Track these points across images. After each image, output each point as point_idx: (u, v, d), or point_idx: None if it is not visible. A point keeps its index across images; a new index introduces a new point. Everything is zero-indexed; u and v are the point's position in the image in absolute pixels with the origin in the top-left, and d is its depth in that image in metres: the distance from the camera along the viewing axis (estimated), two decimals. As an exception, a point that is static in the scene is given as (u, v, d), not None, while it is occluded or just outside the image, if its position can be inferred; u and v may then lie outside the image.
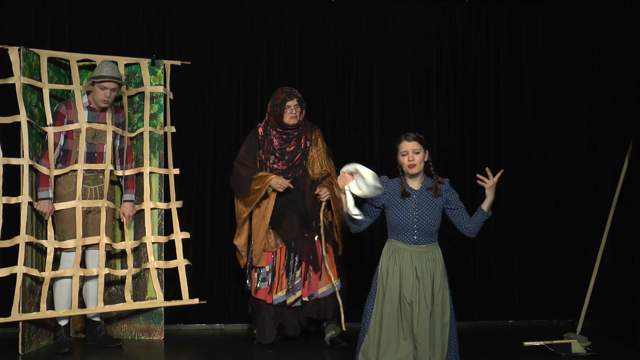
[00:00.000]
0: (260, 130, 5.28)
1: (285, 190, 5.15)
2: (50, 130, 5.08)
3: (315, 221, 5.20)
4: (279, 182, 5.11)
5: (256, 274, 5.22)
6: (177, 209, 5.58)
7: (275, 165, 5.20)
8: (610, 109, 5.71)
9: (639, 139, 5.15)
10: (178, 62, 5.73)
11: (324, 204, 5.18)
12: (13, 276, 4.90)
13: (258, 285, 5.20)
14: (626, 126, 5.42)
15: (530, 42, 6.33)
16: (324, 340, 5.25)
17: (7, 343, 5.17)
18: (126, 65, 5.55)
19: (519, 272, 6.21)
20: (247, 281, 5.30)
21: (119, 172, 5.33)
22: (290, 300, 5.14)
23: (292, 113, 5.17)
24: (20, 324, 4.91)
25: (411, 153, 4.17)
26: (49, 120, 5.12)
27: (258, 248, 5.18)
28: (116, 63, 5.34)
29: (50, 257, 5.00)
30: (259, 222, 5.19)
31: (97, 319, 5.31)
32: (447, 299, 4.17)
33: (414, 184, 4.20)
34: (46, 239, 5.04)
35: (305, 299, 5.15)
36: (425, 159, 4.20)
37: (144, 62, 5.56)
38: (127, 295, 5.33)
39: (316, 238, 5.21)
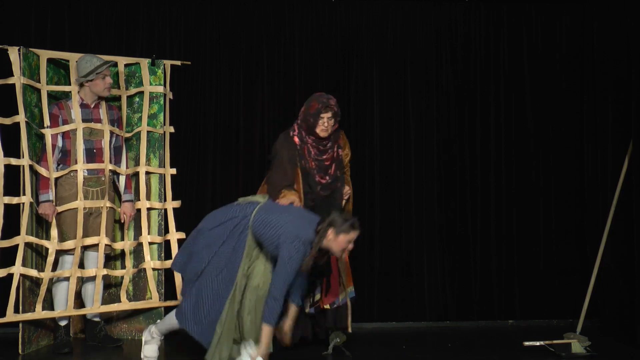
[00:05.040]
0: (296, 139, 4.91)
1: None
2: (48, 132, 5.07)
3: None
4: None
5: None
6: (176, 209, 5.57)
7: (322, 180, 4.91)
8: (610, 109, 5.71)
9: (639, 139, 5.15)
10: (178, 62, 5.72)
11: (343, 202, 5.01)
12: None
13: None
14: (626, 126, 5.42)
15: (530, 42, 6.32)
16: (327, 348, 4.90)
17: (7, 343, 5.16)
18: (126, 65, 5.54)
19: (519, 272, 6.20)
20: None
21: (122, 170, 5.31)
22: (307, 308, 4.85)
23: (323, 126, 4.84)
24: (20, 324, 4.91)
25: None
26: (46, 122, 5.11)
27: None
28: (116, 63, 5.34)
29: (51, 258, 4.98)
30: None
31: (96, 319, 5.30)
32: None
33: None
34: (48, 239, 5.03)
35: (327, 306, 4.87)
36: None
37: (144, 62, 5.55)
38: (123, 295, 5.31)
39: None
